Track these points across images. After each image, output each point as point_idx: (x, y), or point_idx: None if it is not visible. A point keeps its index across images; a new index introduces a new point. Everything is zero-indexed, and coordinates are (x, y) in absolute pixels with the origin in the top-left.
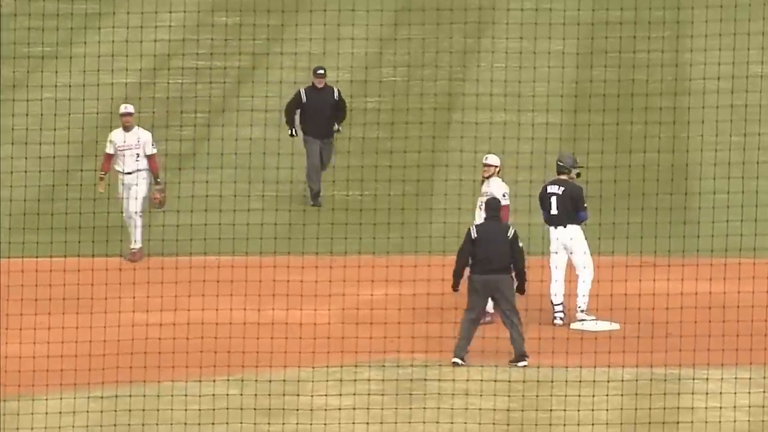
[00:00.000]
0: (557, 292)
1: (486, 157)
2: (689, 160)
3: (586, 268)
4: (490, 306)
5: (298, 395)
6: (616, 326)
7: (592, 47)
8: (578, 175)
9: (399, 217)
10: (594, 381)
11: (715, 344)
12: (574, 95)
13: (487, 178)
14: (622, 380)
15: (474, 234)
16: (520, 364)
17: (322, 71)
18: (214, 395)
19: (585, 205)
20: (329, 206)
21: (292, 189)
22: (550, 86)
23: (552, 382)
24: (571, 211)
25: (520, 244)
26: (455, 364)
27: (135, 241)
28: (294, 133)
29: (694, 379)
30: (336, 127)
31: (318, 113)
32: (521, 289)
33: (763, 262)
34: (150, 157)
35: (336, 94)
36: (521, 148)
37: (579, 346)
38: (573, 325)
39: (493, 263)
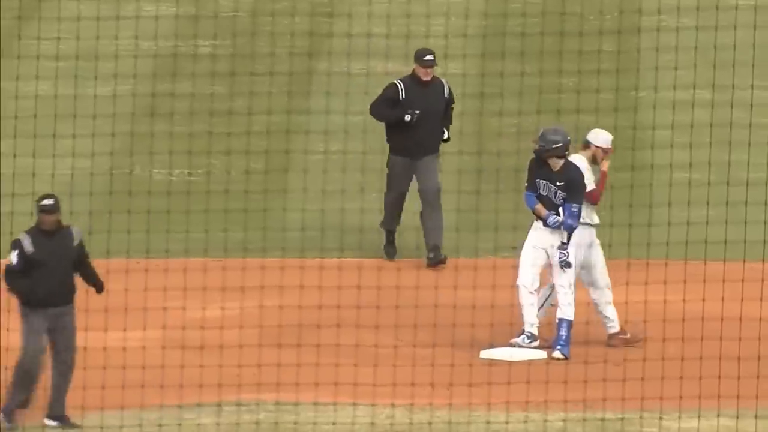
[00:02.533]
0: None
1: (612, 139)
2: (638, 121)
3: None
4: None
5: None
6: (540, 354)
7: None
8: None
9: (241, 203)
10: (507, 423)
11: (671, 371)
12: (482, 35)
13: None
14: (545, 422)
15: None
16: (50, 423)
17: (431, 57)
18: None
19: (525, 183)
20: (144, 188)
21: (94, 165)
22: (450, 23)
23: (450, 424)
24: None
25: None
26: None
27: None
28: (413, 115)
29: (641, 418)
30: (446, 134)
31: (422, 118)
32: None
33: (737, 261)
34: None
35: (446, 90)
36: None
37: (487, 378)
38: (482, 353)
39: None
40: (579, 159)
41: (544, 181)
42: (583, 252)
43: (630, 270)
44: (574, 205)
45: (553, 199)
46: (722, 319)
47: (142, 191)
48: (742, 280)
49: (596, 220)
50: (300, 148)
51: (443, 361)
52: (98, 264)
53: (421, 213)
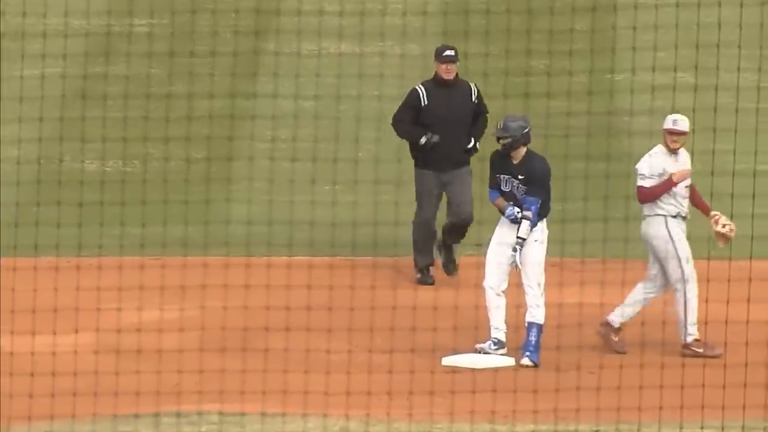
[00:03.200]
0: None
1: (674, 120)
2: (615, 107)
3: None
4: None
5: None
6: (507, 361)
7: None
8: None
9: (181, 195)
10: None
11: (650, 379)
12: (443, 13)
13: (675, 150)
14: None
15: None
16: None
17: (452, 53)
18: None
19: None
20: (76, 179)
21: (21, 153)
22: (409, 0)
23: None
24: None
25: None
26: None
27: None
28: (430, 138)
29: (618, 430)
30: (472, 143)
31: (446, 125)
32: None
33: (722, 259)
34: None
35: (474, 93)
36: (365, 91)
37: (450, 387)
38: (445, 359)
39: None
40: (658, 149)
41: (506, 176)
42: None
43: (605, 269)
44: (534, 199)
45: (516, 194)
46: (706, 323)
47: (73, 182)
48: (728, 280)
49: (672, 211)
50: (245, 135)
51: (402, 368)
52: (25, 261)
53: (444, 230)
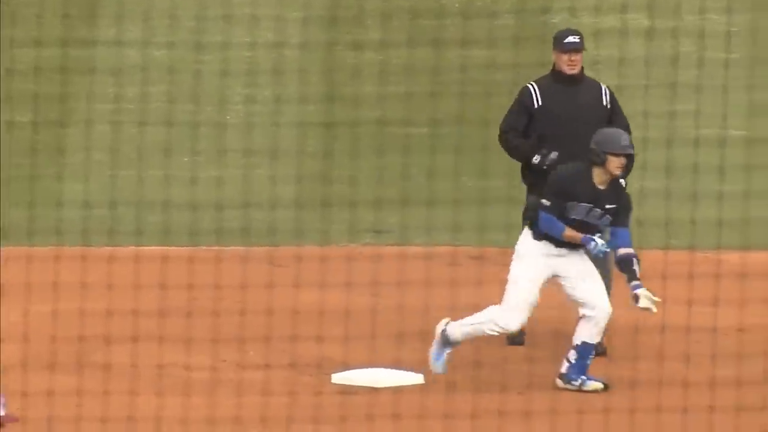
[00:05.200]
0: None
1: None
2: (548, 56)
3: None
4: None
5: None
6: (414, 378)
7: None
8: None
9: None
10: None
11: (591, 401)
12: None
13: None
14: None
15: None
16: None
17: (577, 39)
18: None
19: (545, 201)
20: None
21: None
22: None
23: None
24: None
25: None
26: None
27: None
28: (546, 156)
29: None
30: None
31: (570, 133)
32: None
33: (682, 249)
34: None
35: (606, 95)
36: (233, 37)
37: (341, 411)
38: (335, 377)
39: None
40: None
41: (587, 204)
42: None
43: None
44: (629, 232)
45: (599, 225)
46: (712, 331)
47: None
48: (691, 276)
49: None
50: (81, 93)
51: (280, 388)
52: None
53: None
